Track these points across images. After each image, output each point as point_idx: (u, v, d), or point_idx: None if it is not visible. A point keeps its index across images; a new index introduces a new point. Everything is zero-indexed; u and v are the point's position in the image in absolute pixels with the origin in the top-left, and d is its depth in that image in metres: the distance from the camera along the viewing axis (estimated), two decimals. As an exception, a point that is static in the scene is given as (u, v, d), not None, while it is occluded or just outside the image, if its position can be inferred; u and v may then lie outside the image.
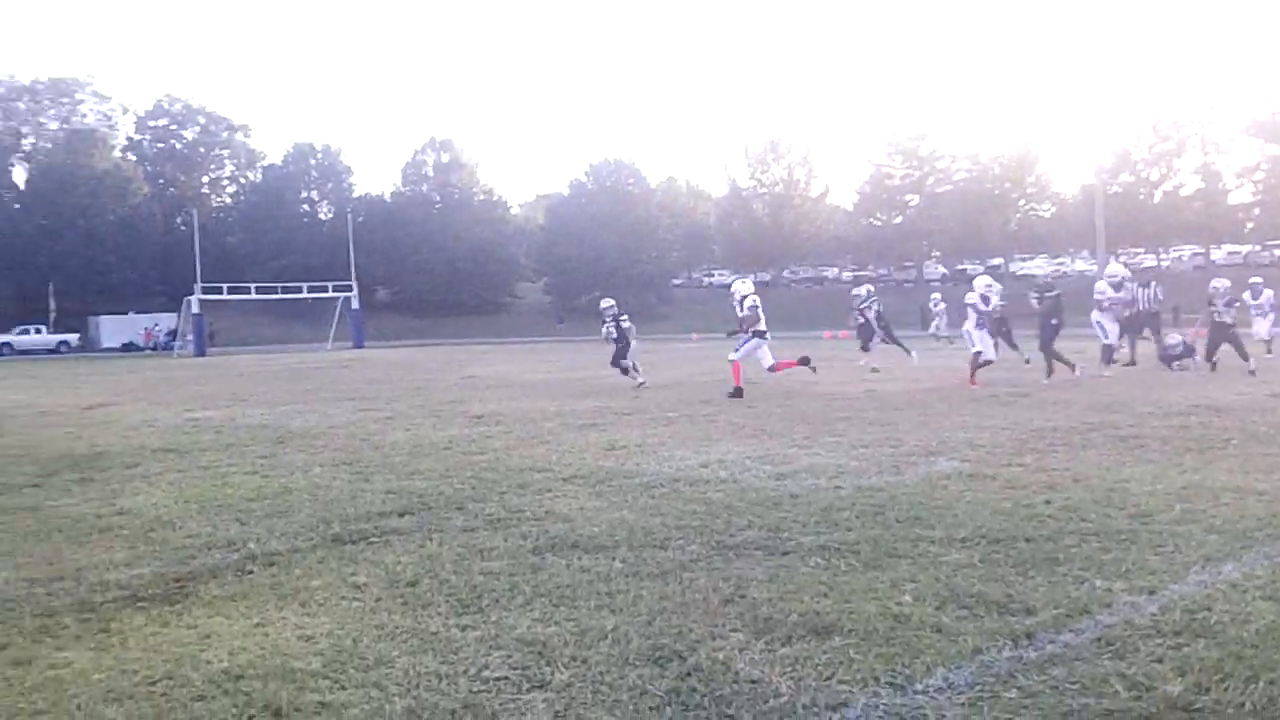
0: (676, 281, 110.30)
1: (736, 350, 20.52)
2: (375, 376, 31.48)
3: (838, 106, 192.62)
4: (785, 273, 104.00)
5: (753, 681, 5.07)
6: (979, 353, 21.65)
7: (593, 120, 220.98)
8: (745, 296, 20.61)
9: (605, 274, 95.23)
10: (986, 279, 24.51)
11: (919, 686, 4.99)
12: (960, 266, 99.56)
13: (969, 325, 22.27)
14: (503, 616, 6.17)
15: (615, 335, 24.17)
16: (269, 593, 6.83)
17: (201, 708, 4.96)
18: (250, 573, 7.37)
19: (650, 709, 4.82)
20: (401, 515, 9.12)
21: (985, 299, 22.32)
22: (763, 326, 20.48)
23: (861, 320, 29.10)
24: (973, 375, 21.20)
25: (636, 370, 23.87)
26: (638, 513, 8.92)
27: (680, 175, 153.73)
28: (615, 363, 24.29)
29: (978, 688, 4.96)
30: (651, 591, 6.54)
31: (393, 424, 16.56)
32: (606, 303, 25.44)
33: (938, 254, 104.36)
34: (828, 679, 5.08)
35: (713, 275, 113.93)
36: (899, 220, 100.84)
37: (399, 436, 14.74)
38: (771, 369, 20.65)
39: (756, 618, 5.97)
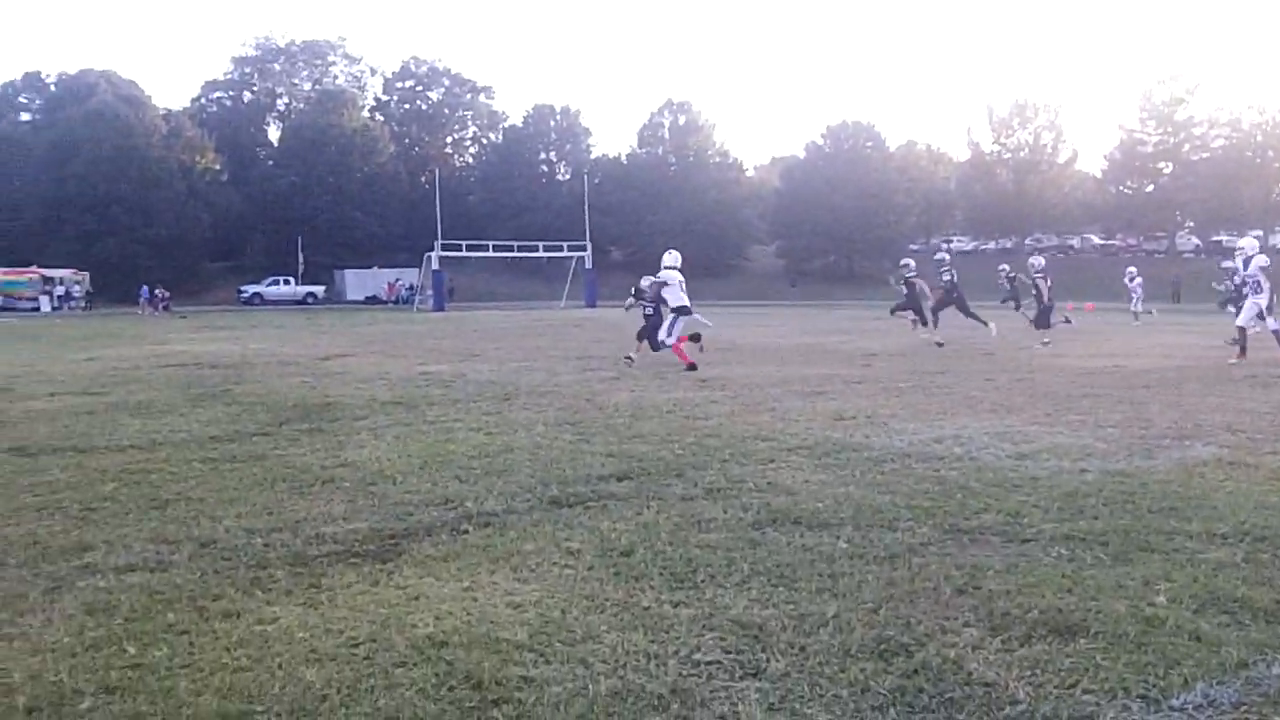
0: (914, 247, 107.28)
1: (669, 334, 20.18)
2: (604, 336, 31.57)
3: (1087, 69, 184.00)
4: (1029, 240, 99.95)
5: (986, 684, 4.53)
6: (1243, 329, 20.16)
7: (830, 82, 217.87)
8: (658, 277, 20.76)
9: (841, 238, 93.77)
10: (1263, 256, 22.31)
11: (1175, 702, 4.36)
12: (1215, 238, 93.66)
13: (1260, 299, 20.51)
14: (718, 594, 5.76)
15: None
16: (481, 554, 6.61)
17: (402, 674, 4.73)
18: (465, 532, 7.18)
19: (872, 708, 4.34)
20: (620, 480, 8.82)
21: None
22: (683, 302, 20.25)
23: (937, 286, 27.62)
24: (1242, 350, 19.78)
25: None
26: (865, 489, 8.37)
27: (920, 138, 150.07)
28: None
29: (1244, 708, 4.31)
30: (877, 576, 6.02)
31: (617, 385, 16.38)
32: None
33: (1191, 224, 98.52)
34: (1071, 687, 4.50)
35: (952, 241, 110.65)
36: (1150, 189, 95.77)
37: (622, 398, 14.53)
38: (663, 344, 20.21)
39: (992, 612, 5.40)
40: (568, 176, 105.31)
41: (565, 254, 77.15)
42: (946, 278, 27.30)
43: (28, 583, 6.23)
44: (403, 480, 8.97)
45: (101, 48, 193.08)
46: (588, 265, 77.36)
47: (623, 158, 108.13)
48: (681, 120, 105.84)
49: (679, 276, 20.38)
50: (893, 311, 28.87)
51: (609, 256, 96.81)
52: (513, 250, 75.65)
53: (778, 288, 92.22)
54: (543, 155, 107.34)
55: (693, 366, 18.96)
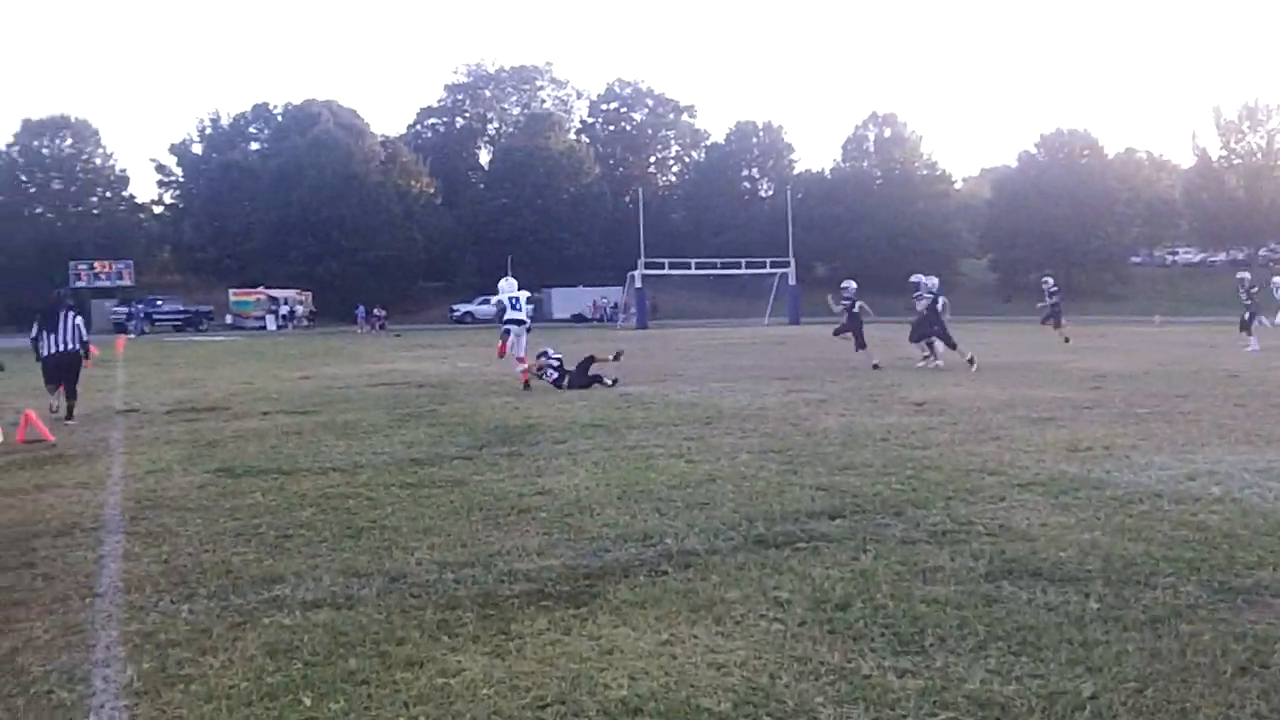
0: (1135, 259, 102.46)
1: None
2: (809, 354, 30.80)
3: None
4: (1263, 251, 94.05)
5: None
6: None
7: (1042, 89, 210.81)
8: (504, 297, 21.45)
9: (1056, 251, 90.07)
10: None
11: None
12: None
13: None
14: (949, 662, 5.08)
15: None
16: (681, 602, 6.09)
17: (593, 747, 4.25)
18: (664, 574, 6.68)
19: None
20: (832, 518, 8.17)
21: None
22: (520, 317, 20.95)
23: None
24: None
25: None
26: (1112, 535, 7.49)
27: (1140, 145, 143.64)
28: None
29: None
30: (1139, 646, 5.22)
31: (825, 408, 15.66)
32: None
33: None
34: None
35: (1177, 253, 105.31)
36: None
37: (831, 423, 13.82)
38: (519, 359, 20.85)
39: (1288, 698, 4.57)
40: (770, 193, 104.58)
41: (768, 270, 76.35)
42: (922, 304, 26.20)
43: (214, 617, 6.01)
44: (600, 512, 8.54)
45: (324, 79, 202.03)
46: (791, 281, 76.40)
47: (826, 172, 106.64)
48: (887, 133, 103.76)
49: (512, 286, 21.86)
50: (835, 333, 28.81)
51: (813, 272, 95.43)
52: (715, 267, 75.27)
53: (990, 302, 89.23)
54: (745, 172, 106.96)
55: (526, 385, 20.10)
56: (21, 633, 5.84)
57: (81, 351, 17.21)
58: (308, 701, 4.74)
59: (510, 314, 20.91)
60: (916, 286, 26.57)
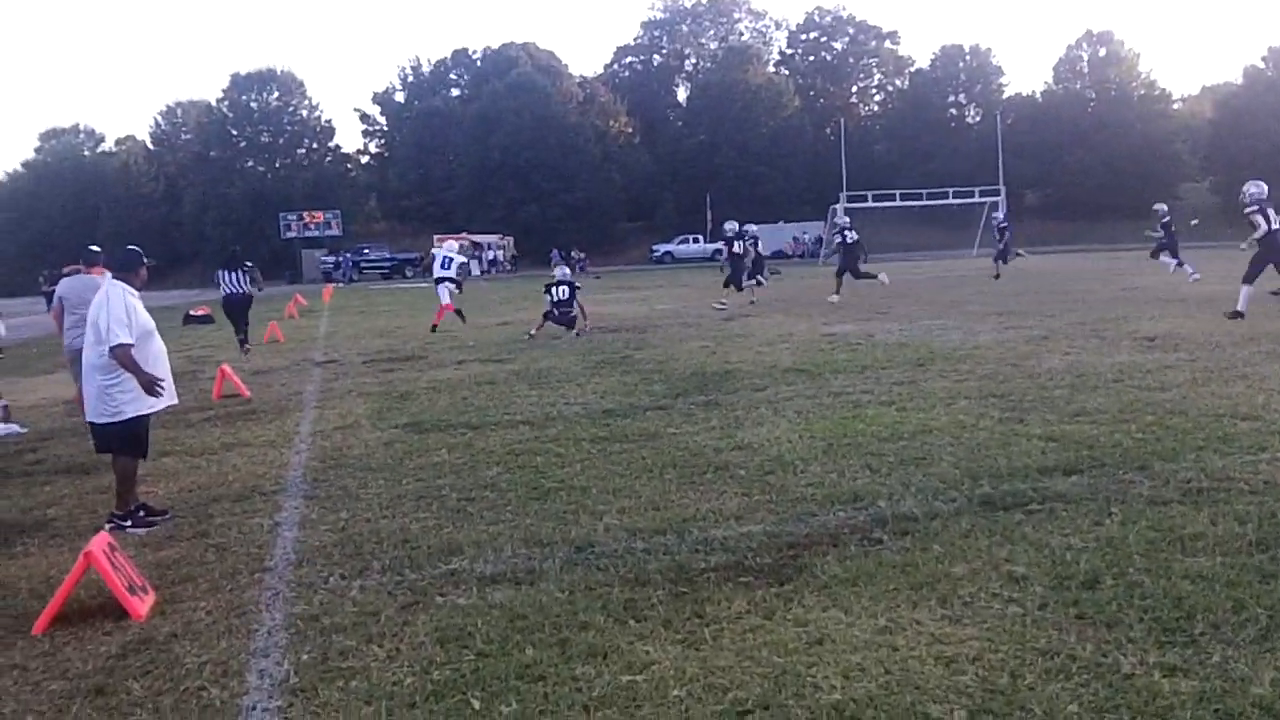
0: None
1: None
2: (1024, 287, 29.09)
3: None
4: None
5: None
6: None
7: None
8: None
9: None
10: None
11: None
12: None
13: None
14: (1228, 658, 4.22)
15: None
16: (899, 578, 5.32)
17: (801, 769, 3.56)
18: (878, 543, 5.92)
19: None
20: (1068, 474, 7.23)
21: None
22: (446, 273, 24.32)
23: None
24: None
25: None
26: None
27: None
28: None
29: None
30: None
31: (1047, 346, 14.44)
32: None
33: None
34: None
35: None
36: None
37: (1056, 363, 12.65)
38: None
39: None
40: (978, 119, 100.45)
41: (977, 200, 73.41)
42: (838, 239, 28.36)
43: (385, 596, 5.55)
44: (804, 468, 7.80)
45: (522, 22, 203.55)
46: (1001, 211, 73.39)
47: (1037, 95, 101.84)
48: (1101, 52, 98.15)
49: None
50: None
51: (1023, 201, 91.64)
52: (921, 199, 72.89)
53: (1215, 228, 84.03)
54: (951, 98, 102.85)
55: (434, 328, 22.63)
56: (183, 615, 5.49)
57: (252, 294, 21.67)
58: (476, 704, 4.19)
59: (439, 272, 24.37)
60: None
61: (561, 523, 6.74)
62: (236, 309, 21.26)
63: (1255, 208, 17.38)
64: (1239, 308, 16.92)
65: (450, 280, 24.25)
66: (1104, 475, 7.15)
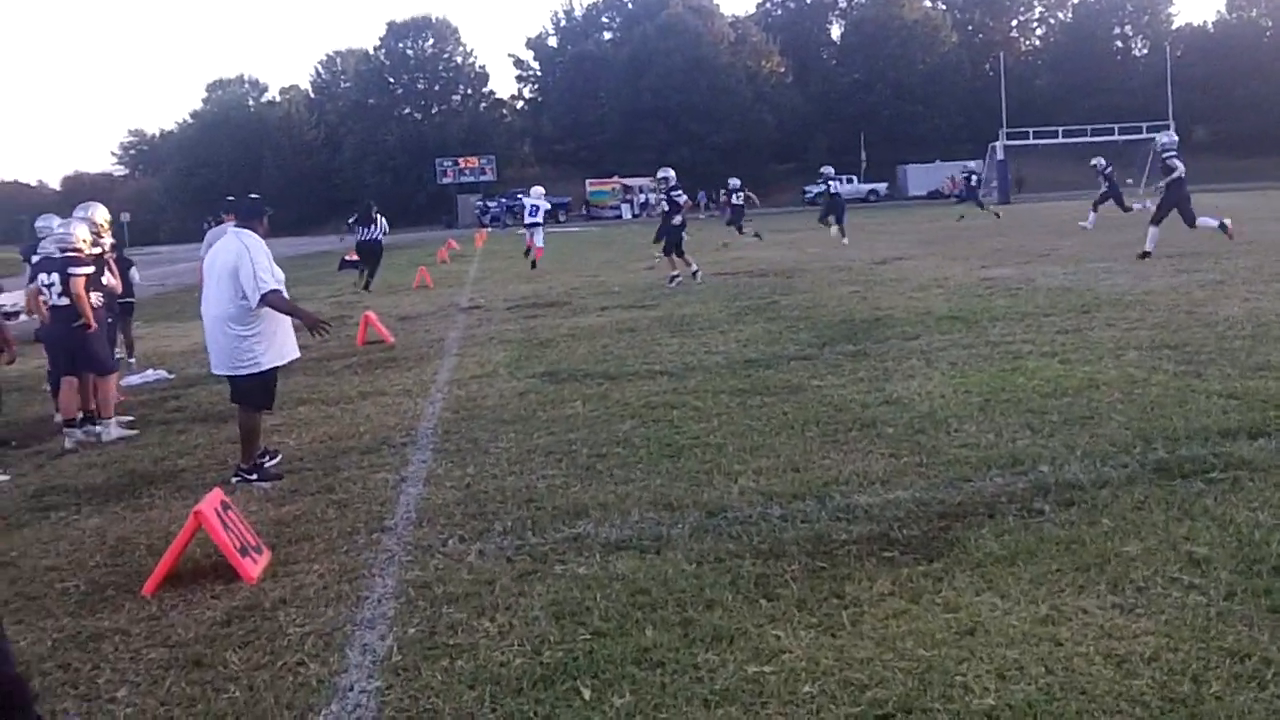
0: None
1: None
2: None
3: None
4: None
5: None
6: None
7: None
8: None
9: None
10: None
11: None
12: None
13: None
14: None
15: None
16: (1064, 556, 4.78)
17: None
18: (1039, 514, 5.37)
19: None
20: (1253, 437, 6.53)
21: None
22: (534, 219, 27.27)
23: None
24: None
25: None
26: None
27: None
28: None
29: None
30: None
31: (1224, 291, 13.40)
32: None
33: None
34: None
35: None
36: None
37: (1235, 310, 11.68)
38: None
39: None
40: (1145, 51, 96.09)
41: (1144, 136, 70.11)
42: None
43: (504, 562, 5.24)
44: (958, 427, 7.24)
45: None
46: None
47: (1209, 26, 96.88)
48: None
49: None
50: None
51: (1192, 136, 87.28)
52: (1085, 135, 69.92)
53: None
54: (1116, 30, 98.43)
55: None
56: (295, 578, 5.27)
57: (382, 241, 24.85)
58: (587, 693, 3.83)
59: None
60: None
61: (694, 484, 6.34)
62: (368, 254, 24.79)
63: (1174, 153, 19.34)
64: (1147, 248, 18.53)
65: (537, 225, 27.56)
66: (1298, 440, 6.44)
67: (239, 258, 7.24)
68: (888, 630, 4.16)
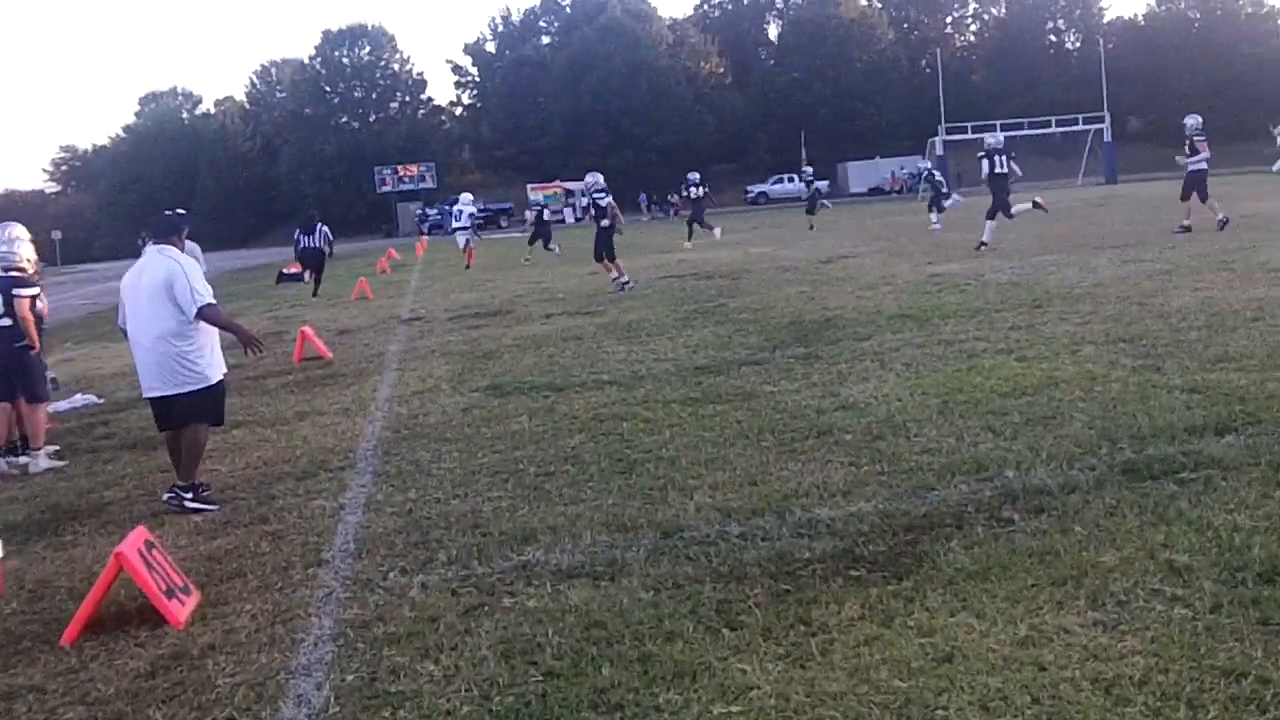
0: None
1: None
2: (1135, 217, 27.71)
3: None
4: None
5: None
6: None
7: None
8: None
9: None
10: None
11: None
12: None
13: None
14: None
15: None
16: (1038, 570, 4.54)
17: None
18: (1009, 524, 5.14)
19: None
20: (1220, 433, 6.34)
21: None
22: (460, 224, 31.64)
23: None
24: None
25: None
26: None
27: None
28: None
29: None
30: None
31: (1173, 281, 13.31)
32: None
33: None
34: None
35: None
36: None
37: (1186, 300, 11.57)
38: None
39: None
40: (1078, 45, 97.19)
41: (1080, 128, 70.98)
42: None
43: (448, 595, 4.93)
44: (918, 432, 7.01)
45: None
46: (1106, 138, 70.80)
47: (1139, 19, 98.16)
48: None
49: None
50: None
51: (1126, 127, 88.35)
52: (1022, 128, 70.50)
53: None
54: (1050, 25, 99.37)
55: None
56: (226, 620, 4.93)
57: (324, 250, 27.10)
58: (538, 744, 3.54)
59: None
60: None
61: (648, 501, 6.06)
62: (310, 261, 27.00)
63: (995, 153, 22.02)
64: (984, 238, 20.85)
65: (463, 229, 31.94)
66: (1262, 434, 6.26)
67: (170, 273, 7.01)
68: (860, 659, 3.89)
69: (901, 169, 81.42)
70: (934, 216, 31.31)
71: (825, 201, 38.07)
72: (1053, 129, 70.90)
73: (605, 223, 19.65)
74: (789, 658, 3.98)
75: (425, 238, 57.62)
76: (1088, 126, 70.82)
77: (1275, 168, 17.68)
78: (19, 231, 9.67)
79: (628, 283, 18.65)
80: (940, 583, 4.51)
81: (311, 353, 13.77)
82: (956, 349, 9.83)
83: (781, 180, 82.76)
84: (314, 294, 25.37)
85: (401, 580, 5.20)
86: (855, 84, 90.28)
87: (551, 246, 31.22)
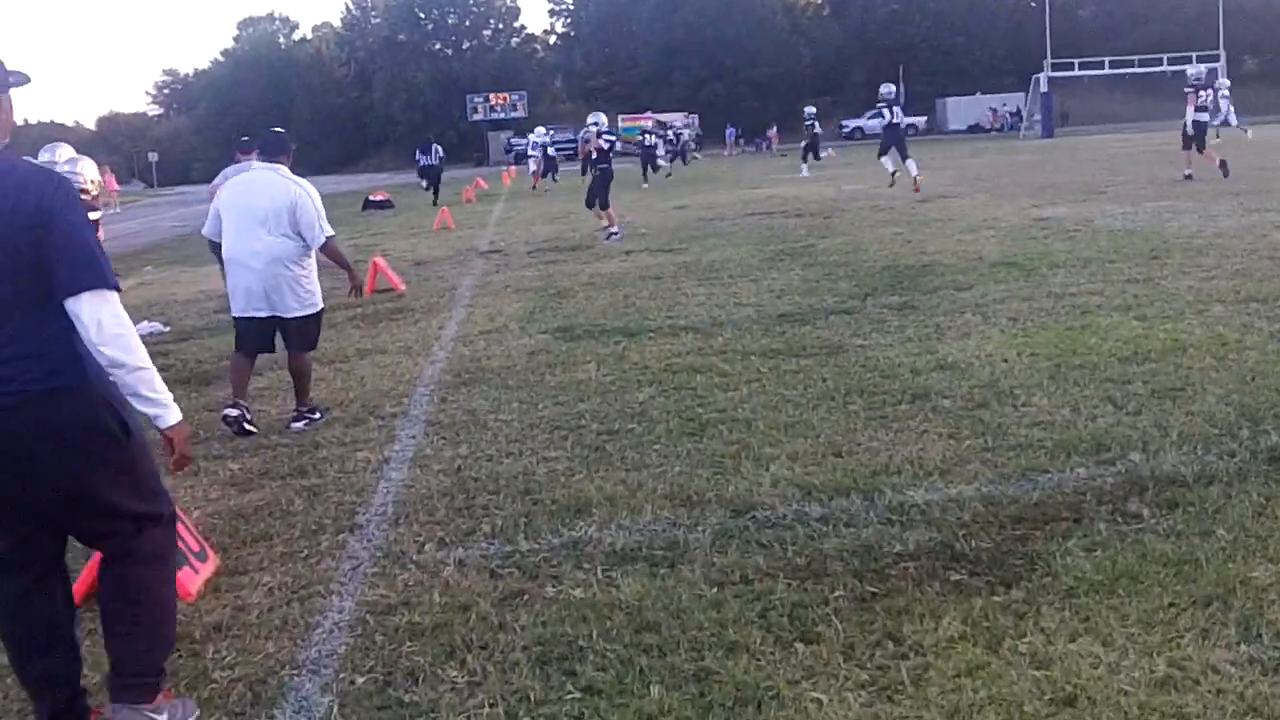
0: None
1: None
2: (1254, 162, 26.12)
3: None
4: None
5: None
6: None
7: None
8: None
9: None
10: None
11: None
12: None
13: None
14: None
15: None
16: (1175, 583, 3.82)
17: None
18: (1136, 520, 4.41)
19: None
20: (1384, 415, 5.52)
21: None
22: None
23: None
24: None
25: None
26: None
27: None
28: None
29: None
30: None
31: (1304, 232, 12.25)
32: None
33: None
34: None
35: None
36: None
37: (1323, 254, 10.57)
38: None
39: None
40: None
41: (1193, 66, 68.13)
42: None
43: (487, 578, 4.34)
44: (1026, 400, 6.25)
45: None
46: (1221, 77, 67.85)
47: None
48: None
49: None
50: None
51: (1242, 67, 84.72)
52: (1133, 66, 67.79)
53: None
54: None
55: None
56: (240, 594, 4.40)
57: (440, 165, 32.29)
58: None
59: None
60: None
61: (718, 471, 5.41)
62: (429, 175, 34.05)
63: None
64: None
65: (533, 157, 38.76)
66: None
67: (296, 200, 6.97)
68: (961, 696, 3.21)
69: (1004, 105, 78.98)
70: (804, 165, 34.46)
71: (828, 148, 38.72)
72: (1164, 67, 68.02)
73: (602, 168, 18.04)
74: (874, 686, 3.32)
75: (514, 167, 56.86)
76: (1201, 66, 67.95)
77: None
78: (71, 152, 9.24)
79: (616, 233, 17.43)
80: (1057, 594, 3.81)
81: (384, 284, 13.29)
82: (1067, 304, 8.98)
83: (880, 115, 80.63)
84: (434, 203, 29.67)
85: (438, 555, 4.62)
86: (957, 16, 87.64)
87: (662, 164, 33.66)
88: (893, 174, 23.52)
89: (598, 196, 17.74)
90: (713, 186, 30.58)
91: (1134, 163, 28.36)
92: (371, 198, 33.61)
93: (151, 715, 3.26)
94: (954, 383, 6.73)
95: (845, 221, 17.33)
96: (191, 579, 4.48)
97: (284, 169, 7.20)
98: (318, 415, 7.17)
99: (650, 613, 3.89)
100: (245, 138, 12.33)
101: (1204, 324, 7.83)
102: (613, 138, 18.63)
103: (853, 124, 79.86)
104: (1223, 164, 20.26)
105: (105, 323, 3.03)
